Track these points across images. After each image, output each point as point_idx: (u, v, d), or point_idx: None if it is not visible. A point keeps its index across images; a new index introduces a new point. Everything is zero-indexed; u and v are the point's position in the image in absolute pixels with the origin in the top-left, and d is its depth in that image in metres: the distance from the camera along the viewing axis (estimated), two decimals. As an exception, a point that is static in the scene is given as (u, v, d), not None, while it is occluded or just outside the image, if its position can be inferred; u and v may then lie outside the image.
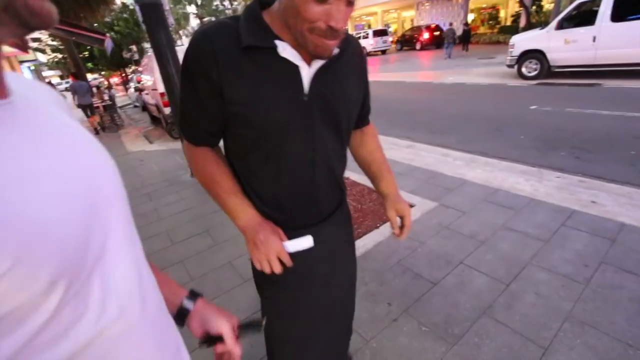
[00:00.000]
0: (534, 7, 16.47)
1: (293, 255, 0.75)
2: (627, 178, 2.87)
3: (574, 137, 3.95)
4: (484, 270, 1.90)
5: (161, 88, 5.51)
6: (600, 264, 1.85)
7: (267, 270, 0.74)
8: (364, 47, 0.88)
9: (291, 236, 0.76)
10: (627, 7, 6.06)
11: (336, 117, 0.74)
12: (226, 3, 37.90)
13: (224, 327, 0.59)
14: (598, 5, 6.38)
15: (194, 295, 0.60)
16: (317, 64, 0.67)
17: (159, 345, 0.43)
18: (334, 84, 0.72)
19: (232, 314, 0.62)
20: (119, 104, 11.97)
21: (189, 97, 0.70)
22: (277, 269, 0.73)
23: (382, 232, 2.34)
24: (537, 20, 15.21)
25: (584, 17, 6.65)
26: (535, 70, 7.52)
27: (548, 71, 7.30)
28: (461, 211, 2.54)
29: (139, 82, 10.73)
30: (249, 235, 0.75)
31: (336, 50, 0.69)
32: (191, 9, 39.58)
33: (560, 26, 6.95)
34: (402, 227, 0.95)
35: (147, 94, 8.50)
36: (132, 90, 13.07)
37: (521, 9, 14.82)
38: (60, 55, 19.13)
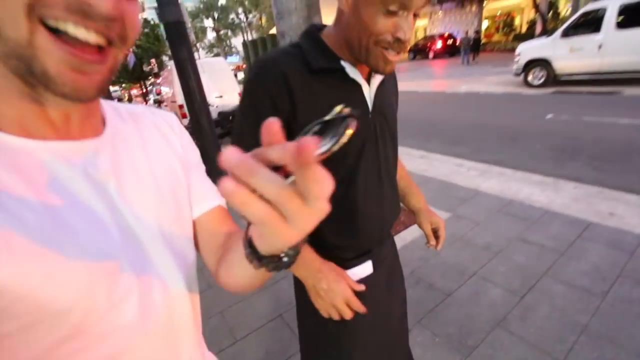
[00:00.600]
0: (550, 14, 16.29)
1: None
2: (648, 189, 2.81)
3: (592, 147, 3.89)
4: (498, 281, 1.91)
5: (180, 100, 5.74)
6: (618, 277, 1.82)
7: (336, 317, 0.69)
8: None
9: (351, 266, 0.76)
10: (633, 15, 6.03)
11: (392, 131, 0.77)
12: (242, 17, 39.00)
13: None
14: (603, 14, 6.36)
15: None
16: (376, 81, 0.70)
17: None
18: (387, 99, 0.75)
19: None
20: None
21: (247, 117, 0.67)
22: (348, 315, 0.67)
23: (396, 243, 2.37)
24: (553, 26, 15.03)
25: (590, 25, 6.62)
26: (542, 78, 7.49)
27: (554, 80, 7.28)
28: (475, 222, 2.55)
29: (158, 94, 11.15)
30: (310, 283, 0.69)
31: None
32: (208, 22, 40.91)
33: (566, 34, 6.93)
34: (437, 238, 1.00)
35: (166, 105, 8.84)
36: (151, 102, 13.56)
37: (537, 15, 14.69)
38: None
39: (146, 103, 18.07)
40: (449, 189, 3.19)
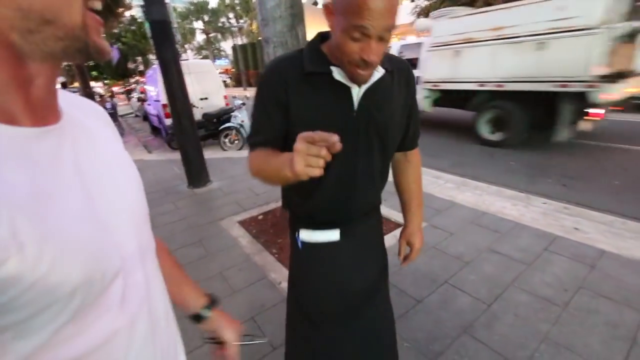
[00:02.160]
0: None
1: (322, 245, 0.93)
2: (610, 207, 2.98)
3: (562, 166, 4.10)
4: (467, 290, 1.96)
5: (164, 99, 5.65)
6: (579, 289, 1.91)
7: (320, 165, 0.57)
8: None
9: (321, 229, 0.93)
10: None
11: (380, 131, 0.84)
12: (232, 21, 38.98)
13: (230, 337, 0.68)
14: None
15: (212, 303, 0.68)
16: (366, 85, 0.79)
17: (159, 352, 0.47)
18: (380, 102, 0.83)
19: (238, 324, 0.70)
20: (120, 113, 12.12)
21: (259, 112, 0.84)
22: (323, 152, 0.55)
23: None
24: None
25: None
26: None
27: None
28: (449, 232, 2.62)
29: (142, 92, 10.92)
30: (290, 161, 0.60)
31: (381, 73, 0.79)
32: (198, 24, 40.61)
33: None
34: (406, 257, 1.08)
35: (149, 104, 8.66)
36: (134, 100, 13.27)
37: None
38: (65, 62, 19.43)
39: (129, 101, 17.63)
40: (425, 199, 3.21)
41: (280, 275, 2.19)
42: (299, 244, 0.97)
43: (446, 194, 3.34)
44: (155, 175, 4.79)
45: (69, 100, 0.44)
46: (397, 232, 2.63)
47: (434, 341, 1.62)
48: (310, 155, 0.56)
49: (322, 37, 0.82)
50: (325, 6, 0.72)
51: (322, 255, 0.95)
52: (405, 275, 2.12)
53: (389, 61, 0.84)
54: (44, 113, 0.35)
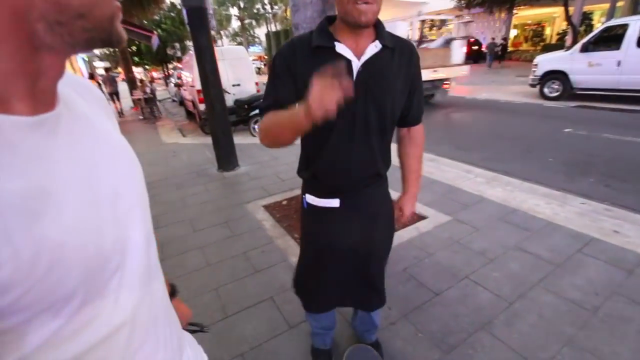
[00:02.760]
0: (582, 27, 15.74)
1: (323, 210, 1.08)
2: (659, 211, 2.73)
3: (607, 164, 3.79)
4: (489, 286, 1.91)
5: (198, 85, 5.86)
6: (612, 294, 1.80)
7: (337, 96, 0.67)
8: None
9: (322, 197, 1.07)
10: None
11: (378, 103, 0.93)
12: (267, 7, 39.05)
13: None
14: (625, 31, 6.31)
15: (172, 294, 0.65)
16: (364, 57, 0.89)
17: (162, 343, 0.46)
18: (378, 76, 0.91)
19: (190, 312, 0.71)
20: (159, 98, 12.72)
21: (271, 80, 0.95)
22: (337, 95, 0.66)
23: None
24: (584, 39, 14.52)
25: (610, 41, 6.61)
26: (558, 91, 7.47)
27: (570, 92, 7.25)
28: (474, 227, 2.54)
29: (179, 78, 11.35)
30: (307, 106, 0.70)
31: (378, 47, 0.90)
32: (234, 11, 41.08)
33: (585, 49, 6.93)
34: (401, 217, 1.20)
35: (185, 89, 9.00)
36: (172, 85, 13.82)
37: (568, 27, 14.21)
38: (111, 49, 20.56)
39: (167, 86, 18.38)
40: (453, 193, 3.18)
41: (300, 258, 2.25)
42: (305, 204, 1.13)
43: (475, 189, 3.22)
44: (189, 158, 5.02)
45: (64, 80, 0.39)
46: (420, 224, 2.60)
47: (449, 334, 1.61)
48: (326, 92, 0.65)
49: (329, 19, 0.94)
50: None
51: (321, 217, 1.10)
52: (425, 268, 2.10)
53: (391, 39, 0.93)
54: (44, 101, 0.33)
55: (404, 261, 2.17)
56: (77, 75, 0.48)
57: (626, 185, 3.27)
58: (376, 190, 1.10)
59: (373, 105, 0.93)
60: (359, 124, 0.94)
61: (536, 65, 7.81)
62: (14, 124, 0.30)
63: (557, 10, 18.39)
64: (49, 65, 0.32)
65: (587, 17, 17.36)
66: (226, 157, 4.24)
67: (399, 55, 0.95)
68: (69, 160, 0.34)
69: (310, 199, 1.10)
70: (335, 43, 0.88)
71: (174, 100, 13.97)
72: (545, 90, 7.64)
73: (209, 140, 4.65)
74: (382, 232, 1.17)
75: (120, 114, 10.96)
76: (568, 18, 14.11)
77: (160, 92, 17.60)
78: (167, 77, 21.57)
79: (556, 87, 7.48)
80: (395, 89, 0.96)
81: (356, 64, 0.89)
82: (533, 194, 3.08)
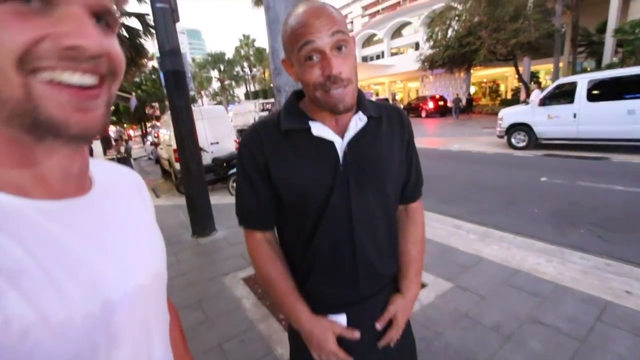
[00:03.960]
0: (532, 84, 17.61)
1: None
2: (660, 264, 2.63)
3: (592, 214, 3.79)
4: (514, 376, 1.62)
5: (175, 144, 5.72)
6: (653, 377, 1.56)
7: None
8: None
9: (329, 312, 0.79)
10: (601, 90, 6.72)
11: (376, 184, 0.75)
12: (246, 69, 41.54)
13: None
14: (574, 87, 7.00)
15: None
16: (349, 135, 0.73)
17: None
18: (368, 152, 0.75)
19: None
20: (134, 156, 12.41)
21: (241, 181, 0.78)
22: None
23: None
24: (536, 95, 16.12)
25: (565, 95, 7.25)
26: (524, 141, 7.93)
27: (536, 143, 7.71)
28: (480, 295, 2.30)
29: (156, 136, 11.25)
30: (306, 337, 0.77)
31: (363, 121, 0.74)
32: (214, 73, 43.35)
33: (543, 103, 7.53)
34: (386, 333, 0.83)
35: (161, 148, 8.82)
36: (148, 143, 13.68)
37: (520, 84, 15.81)
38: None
39: (144, 144, 18.23)
40: (448, 253, 2.98)
41: (287, 350, 1.88)
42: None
43: (470, 247, 3.05)
44: (160, 222, 4.50)
45: (105, 169, 0.46)
46: (420, 294, 2.31)
47: None
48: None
49: (298, 94, 0.79)
50: (283, 61, 0.73)
51: None
52: (436, 354, 1.79)
53: (375, 107, 0.79)
54: (62, 186, 0.35)
55: (410, 345, 1.85)
56: (118, 165, 0.50)
57: (617, 235, 3.22)
58: (389, 295, 0.85)
59: (372, 192, 0.75)
60: (358, 222, 0.74)
61: (501, 118, 8.38)
62: (31, 207, 0.32)
63: (509, 70, 20.62)
64: (36, 154, 0.32)
65: (534, 76, 19.51)
66: (202, 221, 3.92)
67: (388, 123, 0.80)
68: (88, 243, 0.35)
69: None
70: (311, 123, 0.72)
71: (149, 158, 13.70)
72: (513, 140, 8.10)
73: (184, 200, 4.35)
74: (406, 346, 0.91)
75: None
76: (519, 76, 15.78)
77: (137, 149, 17.35)
78: (144, 135, 21.49)
79: (522, 137, 7.95)
80: (393, 164, 0.79)
81: (340, 145, 0.73)
82: (530, 250, 2.94)
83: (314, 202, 0.73)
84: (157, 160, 10.60)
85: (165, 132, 8.17)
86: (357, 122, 0.74)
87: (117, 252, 0.38)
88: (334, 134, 0.73)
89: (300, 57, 0.65)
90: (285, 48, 0.70)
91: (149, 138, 14.99)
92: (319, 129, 0.72)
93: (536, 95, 13.36)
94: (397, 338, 0.83)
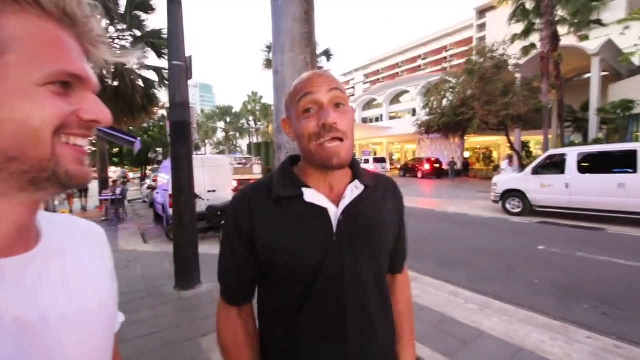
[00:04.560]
0: (523, 152, 18.36)
1: None
2: (672, 350, 2.45)
3: (594, 288, 3.65)
4: None
5: (171, 189, 5.70)
6: None
7: None
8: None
9: None
10: (590, 165, 6.96)
11: (370, 254, 0.72)
12: (251, 123, 43.59)
13: None
14: (564, 158, 7.24)
15: None
16: (345, 203, 0.71)
17: None
18: (365, 220, 0.72)
19: None
20: (129, 197, 12.31)
21: (224, 251, 0.75)
22: None
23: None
24: (527, 162, 16.74)
25: (556, 166, 7.47)
26: (519, 207, 8.01)
27: (530, 210, 7.77)
28: (481, 376, 2.09)
29: (154, 180, 11.29)
30: None
31: (359, 188, 0.72)
32: (221, 124, 45.35)
33: (535, 172, 7.74)
34: None
35: (157, 192, 8.79)
36: (145, 187, 13.70)
37: (512, 152, 16.49)
38: (93, 148, 21.04)
39: (142, 187, 18.24)
40: (445, 324, 2.79)
41: None
42: None
43: (469, 319, 2.86)
44: (144, 270, 4.41)
45: (59, 225, 0.46)
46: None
47: None
48: None
49: (293, 160, 0.79)
50: (283, 120, 0.75)
51: None
52: None
53: (372, 178, 0.78)
54: (7, 245, 0.36)
55: None
56: (76, 220, 0.51)
57: (623, 313, 3.05)
58: None
59: (366, 263, 0.71)
60: (351, 290, 0.68)
61: (495, 184, 8.57)
62: None
63: (501, 139, 21.68)
64: (2, 210, 0.34)
65: (525, 145, 20.47)
66: (187, 272, 3.72)
67: (383, 191, 0.80)
68: (23, 306, 0.35)
69: None
70: (304, 190, 0.69)
71: (144, 202, 13.58)
72: (508, 206, 8.18)
73: (172, 248, 4.19)
74: None
75: (84, 209, 11.03)
76: (511, 145, 16.52)
77: (133, 192, 17.29)
78: (143, 178, 21.63)
79: (517, 203, 8.04)
80: (387, 234, 0.77)
81: (334, 213, 0.70)
82: (532, 325, 2.76)
83: (305, 272, 0.69)
84: (151, 204, 10.49)
85: (164, 176, 8.23)
86: (354, 190, 0.72)
87: (64, 320, 0.39)
88: (328, 201, 0.70)
89: (299, 109, 0.67)
90: (286, 106, 0.73)
91: (147, 181, 15.03)
92: (312, 195, 0.69)
93: (505, 165, 14.06)
94: None
